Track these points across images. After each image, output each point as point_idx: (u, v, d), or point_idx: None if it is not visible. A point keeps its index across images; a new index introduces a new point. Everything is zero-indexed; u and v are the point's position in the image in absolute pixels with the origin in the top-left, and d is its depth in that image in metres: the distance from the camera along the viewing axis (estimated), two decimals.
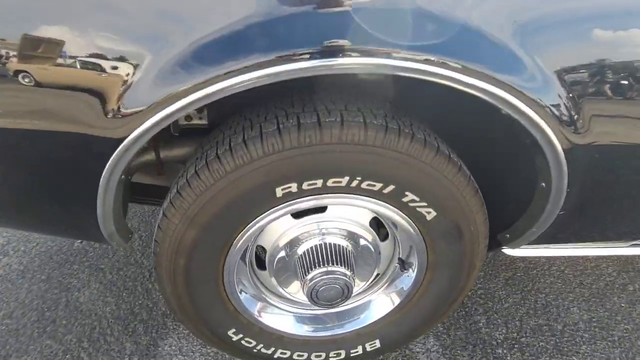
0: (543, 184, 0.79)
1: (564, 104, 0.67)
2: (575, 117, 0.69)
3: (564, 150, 0.71)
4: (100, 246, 1.67)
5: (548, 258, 1.64)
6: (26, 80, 0.63)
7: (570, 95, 0.67)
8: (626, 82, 0.67)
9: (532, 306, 1.41)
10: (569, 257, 1.64)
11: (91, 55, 0.63)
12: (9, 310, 1.36)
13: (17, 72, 0.63)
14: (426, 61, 0.61)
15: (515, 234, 0.98)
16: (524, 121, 0.67)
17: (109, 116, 0.65)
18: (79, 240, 1.71)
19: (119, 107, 0.64)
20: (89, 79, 0.64)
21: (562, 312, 1.39)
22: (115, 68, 0.63)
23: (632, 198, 0.86)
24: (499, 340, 1.28)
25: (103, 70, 0.63)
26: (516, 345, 1.27)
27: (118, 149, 0.67)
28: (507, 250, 1.08)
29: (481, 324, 1.34)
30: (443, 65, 0.61)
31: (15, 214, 0.91)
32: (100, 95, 0.64)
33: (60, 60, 0.63)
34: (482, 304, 1.42)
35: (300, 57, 0.60)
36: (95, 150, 0.68)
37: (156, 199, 1.25)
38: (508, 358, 1.23)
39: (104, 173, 0.69)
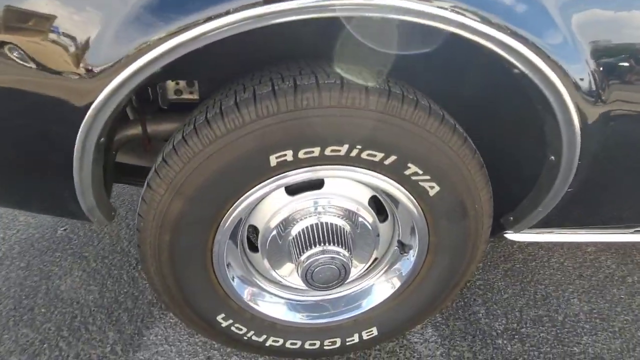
0: (552, 157, 0.74)
1: (587, 70, 0.64)
2: (595, 83, 0.65)
3: (579, 117, 0.67)
4: (84, 234, 1.60)
5: (547, 250, 1.61)
6: None
7: (595, 62, 0.64)
8: None
9: (531, 297, 1.38)
10: (568, 249, 1.62)
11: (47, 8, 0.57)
12: None
13: None
14: (440, 8, 0.56)
15: (520, 216, 0.94)
16: (539, 81, 0.63)
17: (75, 76, 0.59)
18: (63, 228, 1.63)
19: (84, 65, 0.59)
20: (48, 34, 0.58)
21: (563, 304, 1.36)
22: (73, 19, 0.57)
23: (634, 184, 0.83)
24: (499, 331, 1.24)
25: (60, 23, 0.58)
26: (516, 336, 1.23)
27: (90, 110, 0.61)
28: (510, 235, 1.04)
29: (480, 314, 1.30)
30: (456, 10, 0.56)
31: None
32: (63, 53, 0.59)
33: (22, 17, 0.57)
34: (481, 294, 1.38)
35: None
36: (66, 113, 0.62)
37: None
38: (508, 348, 1.19)
39: (78, 137, 0.64)
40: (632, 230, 1.09)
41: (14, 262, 1.43)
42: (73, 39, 0.59)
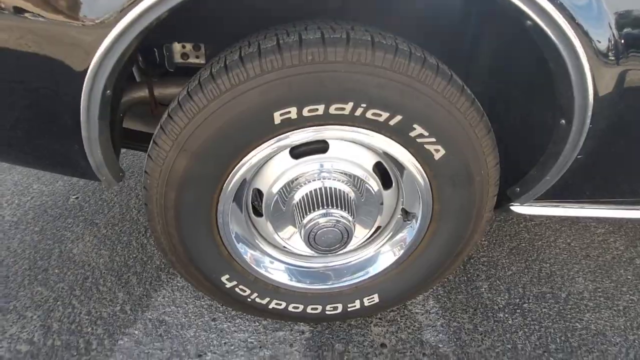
0: (563, 120, 0.72)
1: (607, 33, 0.62)
2: (614, 47, 0.63)
3: (593, 79, 0.64)
4: (95, 202, 1.64)
5: (554, 230, 1.59)
6: None
7: (617, 26, 0.62)
8: None
9: (535, 275, 1.38)
10: (577, 230, 1.59)
11: None
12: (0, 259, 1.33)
13: None
14: None
15: (526, 186, 0.92)
16: (555, 37, 0.61)
17: (77, 27, 0.60)
18: (75, 196, 1.67)
19: (84, 15, 0.60)
20: None
21: (567, 282, 1.36)
22: None
23: None
24: (501, 305, 1.25)
25: None
26: (518, 310, 1.23)
27: (93, 59, 0.62)
28: (516, 207, 1.03)
29: (483, 289, 1.30)
30: None
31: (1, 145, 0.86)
32: (63, 5, 0.59)
33: None
34: (485, 270, 1.38)
35: None
36: (71, 66, 0.63)
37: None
38: (509, 322, 1.19)
39: (83, 89, 0.64)
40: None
41: (28, 226, 1.48)
42: None
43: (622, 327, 1.21)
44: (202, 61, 0.98)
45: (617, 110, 0.72)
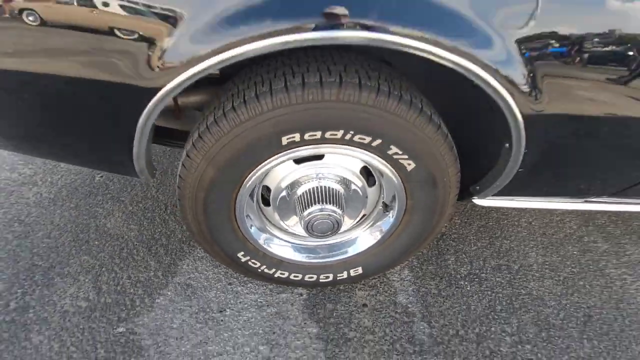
0: (507, 144, 0.93)
1: (523, 75, 0.79)
2: (533, 88, 0.81)
3: (522, 116, 0.84)
4: (119, 180, 1.85)
5: (518, 210, 1.84)
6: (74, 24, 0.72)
7: (528, 67, 0.79)
8: (578, 59, 0.78)
9: (496, 250, 1.63)
10: (538, 210, 1.84)
11: (143, 6, 0.72)
12: (47, 231, 1.57)
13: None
14: (407, 36, 0.72)
15: (483, 187, 1.15)
16: (490, 92, 0.80)
17: (151, 68, 0.76)
18: (100, 175, 1.88)
19: (162, 60, 0.75)
20: (142, 28, 0.73)
21: (521, 256, 1.62)
22: (164, 19, 0.72)
23: (581, 161, 1.01)
24: (463, 275, 1.52)
25: (151, 22, 0.73)
26: (476, 279, 1.51)
27: (156, 97, 0.79)
28: (477, 200, 1.26)
29: (450, 261, 1.57)
30: (424, 40, 0.72)
31: (59, 149, 1.06)
32: (146, 48, 0.74)
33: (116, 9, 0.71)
34: (454, 245, 1.64)
35: (307, 28, 0.71)
36: (134, 98, 0.81)
37: (172, 140, 1.40)
38: (467, 288, 1.47)
39: (141, 119, 0.83)
40: (582, 200, 1.30)
41: (64, 203, 1.71)
42: (151, 41, 0.74)
43: (559, 293, 1.49)
44: (217, 72, 1.14)
45: (543, 135, 0.92)
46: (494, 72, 0.77)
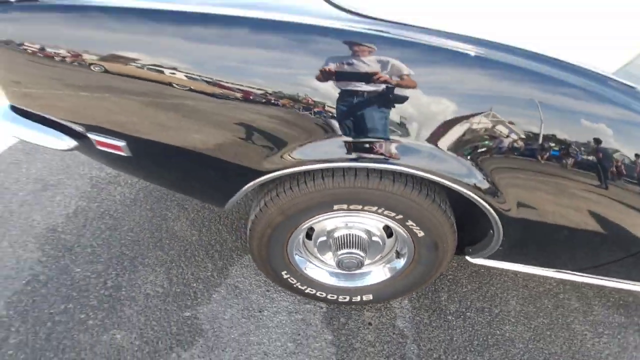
0: (491, 231, 1.30)
1: (489, 185, 1.12)
2: (493, 190, 1.13)
3: (497, 213, 1.20)
4: None
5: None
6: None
7: (489, 179, 1.07)
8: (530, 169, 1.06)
9: (483, 293, 1.96)
10: None
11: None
12: (130, 227, 2.00)
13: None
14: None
15: (474, 251, 1.52)
16: (471, 199, 1.17)
17: (268, 158, 1.15)
18: None
19: (274, 156, 1.14)
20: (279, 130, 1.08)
21: (503, 302, 1.93)
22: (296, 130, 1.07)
23: (548, 247, 1.36)
24: (451, 311, 1.84)
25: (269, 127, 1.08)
26: (461, 317, 1.85)
27: (257, 179, 1.20)
28: (469, 258, 1.63)
29: (442, 298, 1.91)
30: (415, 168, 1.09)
31: (183, 190, 1.48)
32: (273, 145, 1.10)
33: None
34: (448, 285, 1.98)
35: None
36: (247, 175, 1.21)
37: None
38: (453, 323, 1.82)
39: (245, 187, 1.24)
40: (553, 270, 1.64)
41: (142, 204, 2.14)
42: (277, 140, 1.10)
43: (527, 338, 1.76)
44: None
45: (515, 224, 1.28)
46: (466, 186, 1.12)
